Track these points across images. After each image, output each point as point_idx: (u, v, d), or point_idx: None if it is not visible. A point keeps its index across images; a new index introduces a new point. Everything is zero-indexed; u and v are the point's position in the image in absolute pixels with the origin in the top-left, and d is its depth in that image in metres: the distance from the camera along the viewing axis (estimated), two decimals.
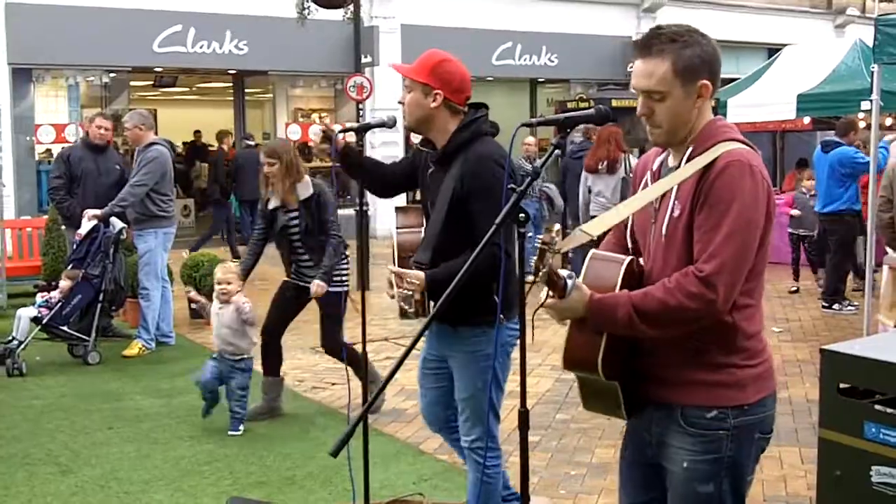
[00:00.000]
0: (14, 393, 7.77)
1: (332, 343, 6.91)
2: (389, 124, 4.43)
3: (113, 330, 9.71)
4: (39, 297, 9.01)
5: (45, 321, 8.61)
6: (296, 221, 6.85)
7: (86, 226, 8.76)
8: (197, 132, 24.18)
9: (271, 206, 6.91)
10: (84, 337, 8.77)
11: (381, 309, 10.64)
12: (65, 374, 8.40)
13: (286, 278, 7.06)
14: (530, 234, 12.08)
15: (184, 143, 23.73)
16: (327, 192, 7.00)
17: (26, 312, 8.79)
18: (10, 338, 8.70)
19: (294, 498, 5.33)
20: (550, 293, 2.68)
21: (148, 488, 5.55)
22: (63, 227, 10.09)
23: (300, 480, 5.64)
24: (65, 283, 8.81)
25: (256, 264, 7.06)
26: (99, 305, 8.78)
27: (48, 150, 17.42)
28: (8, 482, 5.67)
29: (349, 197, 19.10)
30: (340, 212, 19.05)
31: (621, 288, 2.77)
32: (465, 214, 3.84)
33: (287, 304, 7.08)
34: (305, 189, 6.87)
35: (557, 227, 2.76)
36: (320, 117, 21.30)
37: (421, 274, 3.90)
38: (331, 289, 6.76)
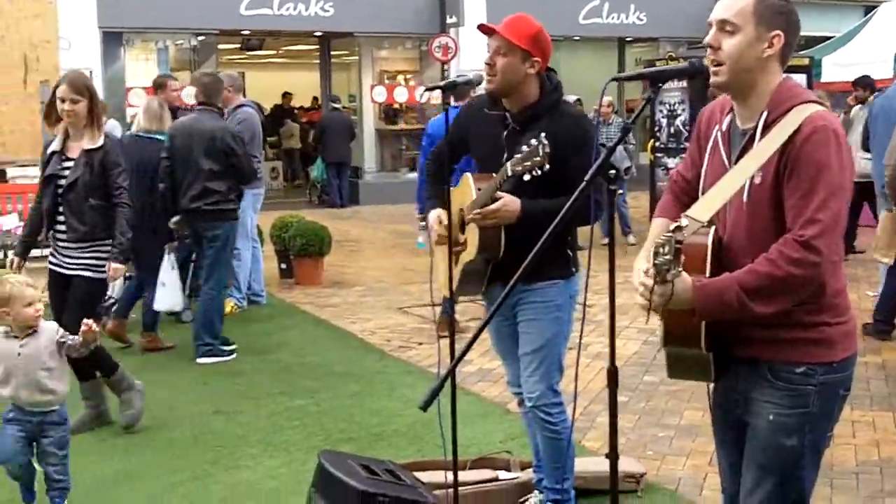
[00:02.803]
0: (109, 348, 7.98)
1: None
2: (476, 82, 4.41)
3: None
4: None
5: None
6: (65, 173, 5.74)
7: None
8: (286, 94, 24.43)
9: (51, 149, 5.83)
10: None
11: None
12: (164, 331, 8.59)
13: (50, 257, 5.94)
14: (621, 192, 11.97)
15: (275, 106, 23.93)
16: (117, 152, 5.85)
17: None
18: (107, 296, 8.94)
19: (383, 453, 5.39)
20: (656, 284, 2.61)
21: (241, 442, 5.68)
22: None
23: (388, 437, 5.72)
24: None
25: (31, 246, 6.03)
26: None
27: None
28: (103, 435, 5.85)
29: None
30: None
31: (712, 261, 2.75)
32: (555, 172, 3.83)
33: (61, 293, 5.84)
34: (95, 139, 5.72)
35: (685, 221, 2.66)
36: (406, 80, 21.33)
37: (516, 199, 3.87)
38: (93, 274, 5.73)
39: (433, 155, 4.43)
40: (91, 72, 14.38)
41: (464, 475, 4.31)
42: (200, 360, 7.52)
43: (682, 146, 13.58)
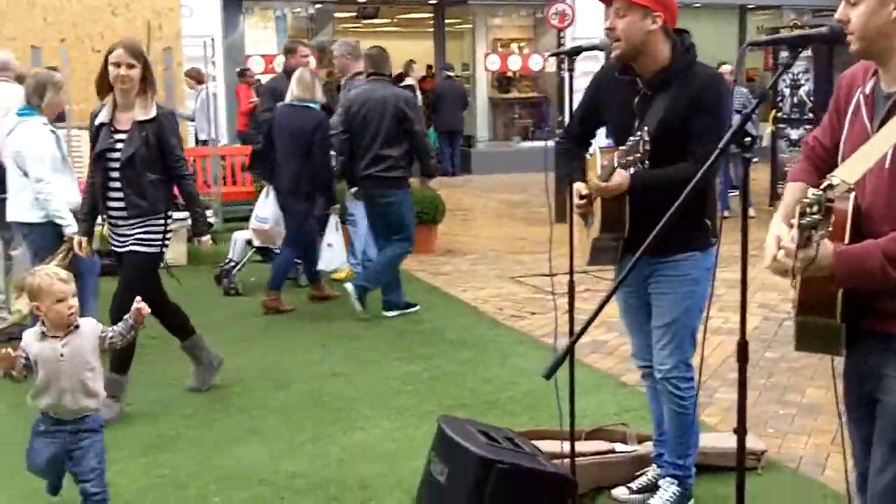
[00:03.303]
0: (232, 311, 8.20)
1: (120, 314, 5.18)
2: (602, 47, 4.32)
3: None
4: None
5: (257, 246, 9.00)
6: (118, 147, 5.51)
7: None
8: (411, 61, 24.45)
9: (98, 120, 5.60)
10: (297, 260, 9.12)
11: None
12: (282, 293, 8.76)
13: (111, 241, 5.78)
14: (755, 160, 11.69)
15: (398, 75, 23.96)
16: (172, 123, 5.72)
17: (241, 235, 9.25)
18: (228, 259, 9.17)
19: (496, 422, 5.38)
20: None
21: (356, 405, 5.76)
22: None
23: (503, 404, 5.73)
24: None
25: (94, 221, 5.83)
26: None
27: (258, 80, 18.04)
28: (225, 394, 6.00)
29: (547, 128, 18.99)
30: (539, 143, 18.86)
31: (851, 229, 2.64)
32: (684, 135, 3.75)
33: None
34: (148, 109, 5.52)
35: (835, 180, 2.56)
36: (520, 48, 21.19)
37: (624, 173, 3.77)
38: (145, 248, 5.58)
39: (565, 130, 4.35)
40: (213, 39, 14.67)
41: (580, 446, 4.28)
42: (386, 314, 7.94)
43: (805, 117, 13.20)
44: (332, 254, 8.55)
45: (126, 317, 4.20)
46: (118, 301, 5.32)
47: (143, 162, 5.44)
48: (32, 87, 6.41)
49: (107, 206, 5.58)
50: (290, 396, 5.94)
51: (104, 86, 5.51)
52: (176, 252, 9.85)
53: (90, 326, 4.08)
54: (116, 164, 5.47)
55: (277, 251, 9.06)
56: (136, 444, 5.13)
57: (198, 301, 7.85)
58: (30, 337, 3.99)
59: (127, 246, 5.55)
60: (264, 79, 16.47)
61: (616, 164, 3.71)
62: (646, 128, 3.61)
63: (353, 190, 8.15)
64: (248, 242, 9.10)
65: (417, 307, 8.08)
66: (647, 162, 3.64)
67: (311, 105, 8.11)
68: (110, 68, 5.40)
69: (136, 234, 5.52)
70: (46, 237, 6.35)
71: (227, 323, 7.76)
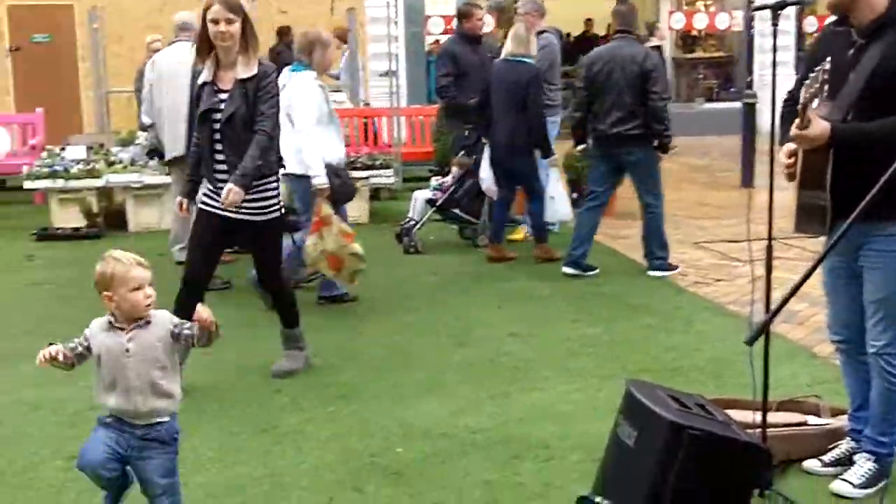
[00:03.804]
0: (412, 269, 8.30)
1: (275, 277, 5.58)
2: (807, 1, 4.11)
3: None
4: (433, 181, 9.52)
5: (438, 203, 9.08)
6: (219, 106, 5.25)
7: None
8: (588, 20, 24.11)
9: (201, 79, 5.38)
10: (474, 220, 9.17)
11: (765, 209, 10.21)
12: (456, 253, 8.83)
13: (203, 197, 5.45)
14: None
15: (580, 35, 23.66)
16: (275, 81, 5.37)
17: (422, 195, 9.35)
18: (408, 218, 9.29)
19: (681, 388, 5.28)
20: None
21: (534, 365, 5.74)
22: (449, 119, 10.46)
23: (686, 371, 5.59)
24: (456, 170, 9.21)
25: (198, 184, 5.51)
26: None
27: (437, 41, 18.11)
28: (406, 350, 6.08)
29: (732, 89, 18.41)
30: (723, 105, 18.24)
31: None
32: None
33: (213, 239, 5.43)
34: (250, 66, 5.23)
35: None
36: (706, 5, 20.54)
37: (823, 122, 3.59)
38: (265, 217, 5.33)
39: (789, 93, 4.12)
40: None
41: (771, 417, 4.13)
42: (651, 273, 7.93)
43: None
44: (556, 206, 8.73)
45: (193, 324, 3.54)
46: (262, 272, 5.49)
47: (244, 121, 5.14)
48: (302, 45, 6.88)
49: (214, 168, 5.27)
50: (469, 355, 5.96)
51: (204, 47, 5.23)
52: (358, 210, 10.07)
53: (161, 319, 3.52)
54: (218, 125, 5.21)
55: (456, 211, 9.13)
56: (323, 395, 5.25)
57: (378, 259, 8.00)
58: (96, 326, 3.52)
59: (245, 215, 5.22)
60: (443, 40, 16.60)
61: (801, 101, 3.53)
62: (826, 64, 3.44)
63: (580, 147, 8.21)
64: (429, 202, 9.19)
65: (597, 270, 7.97)
66: (825, 92, 3.52)
67: (526, 60, 8.23)
68: (209, 26, 5.12)
69: (255, 201, 5.22)
70: (307, 189, 6.69)
71: (407, 280, 7.86)
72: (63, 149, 11.13)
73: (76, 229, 10.08)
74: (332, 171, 6.70)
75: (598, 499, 3.28)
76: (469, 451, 4.49)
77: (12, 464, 4.44)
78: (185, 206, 5.51)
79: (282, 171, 6.74)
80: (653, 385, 3.75)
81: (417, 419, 4.88)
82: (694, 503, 3.39)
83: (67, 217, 10.33)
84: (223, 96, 5.21)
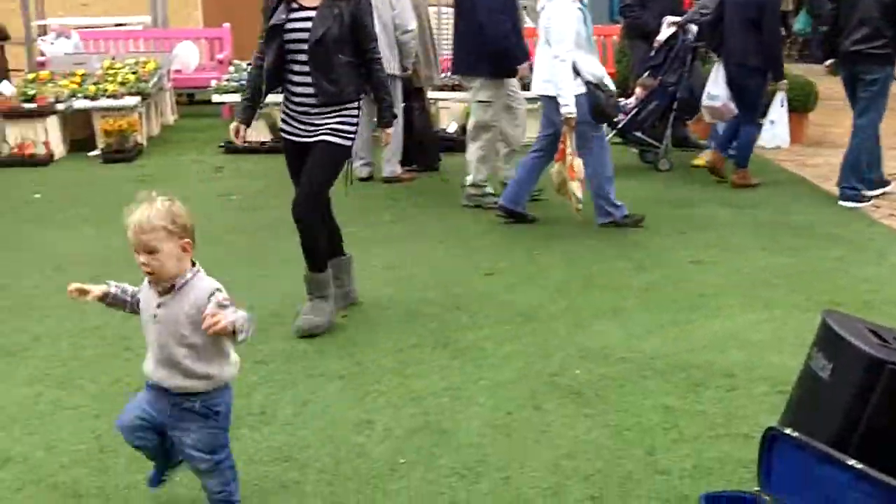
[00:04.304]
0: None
1: (310, 209, 4.98)
2: None
3: (688, 140, 9.72)
4: None
5: (620, 126, 8.88)
6: (302, 25, 4.85)
7: (664, 32, 8.77)
8: None
9: None
10: (656, 144, 8.95)
11: None
12: (637, 178, 8.64)
13: (282, 124, 5.18)
14: None
15: None
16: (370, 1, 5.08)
17: None
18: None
19: (876, 320, 5.06)
20: None
21: (718, 292, 5.58)
22: (632, 39, 10.19)
23: (878, 305, 5.34)
24: (639, 91, 8.98)
25: (256, 108, 5.15)
26: (672, 114, 8.85)
27: None
28: (588, 271, 6.01)
29: None
30: None
31: None
32: None
33: (300, 168, 5.05)
34: None
35: None
36: None
37: None
38: (339, 139, 4.93)
39: None
40: None
41: None
42: (842, 203, 7.68)
43: None
44: (776, 130, 8.71)
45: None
46: (304, 189, 4.91)
47: (336, 43, 4.80)
48: None
49: (290, 90, 4.96)
50: (650, 280, 5.85)
51: None
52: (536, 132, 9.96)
53: (201, 291, 3.02)
54: (303, 46, 4.82)
55: (638, 134, 8.94)
56: (502, 313, 5.26)
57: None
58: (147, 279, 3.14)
59: (318, 135, 4.90)
60: None
61: None
62: None
63: (829, 62, 7.98)
64: (610, 125, 8.98)
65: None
66: None
67: None
68: None
69: (334, 123, 4.90)
70: (558, 111, 6.65)
71: (587, 204, 7.75)
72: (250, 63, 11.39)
73: (262, 143, 10.36)
74: (594, 86, 6.65)
75: (787, 430, 3.16)
76: (649, 376, 4.42)
77: None
78: (241, 132, 5.07)
79: (538, 92, 6.86)
80: (850, 317, 3.58)
81: (596, 342, 4.83)
82: (887, 440, 3.23)
83: (254, 131, 10.60)
84: (306, 14, 4.84)
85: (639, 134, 8.94)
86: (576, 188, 6.72)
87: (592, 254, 6.38)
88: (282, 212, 7.54)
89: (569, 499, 3.34)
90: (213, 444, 3.14)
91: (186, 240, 3.01)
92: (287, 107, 5.00)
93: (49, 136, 10.23)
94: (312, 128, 4.93)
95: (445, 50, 11.01)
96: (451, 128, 10.60)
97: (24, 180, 9.14)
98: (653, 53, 8.93)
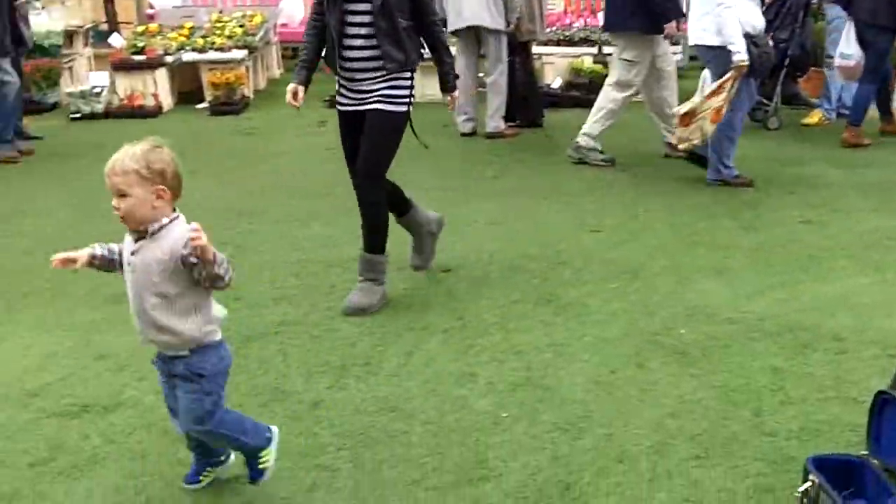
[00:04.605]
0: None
1: (373, 182, 4.76)
2: None
3: (798, 98, 9.47)
4: None
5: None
6: None
7: None
8: None
9: None
10: (766, 101, 8.73)
11: None
12: (745, 136, 8.42)
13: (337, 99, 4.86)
14: None
15: None
16: None
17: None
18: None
19: None
20: None
21: (829, 254, 5.45)
22: None
23: None
24: None
25: (313, 70, 4.87)
26: (784, 71, 8.62)
27: None
28: (694, 229, 5.92)
29: None
30: None
31: None
32: None
33: (355, 142, 4.78)
34: None
35: None
36: None
37: None
38: (393, 107, 4.67)
39: None
40: None
41: None
42: None
43: None
44: None
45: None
46: (365, 165, 4.70)
47: (396, 6, 4.56)
48: None
49: (344, 57, 4.63)
50: (758, 240, 5.74)
51: None
52: None
53: (176, 237, 2.84)
54: (364, 7, 4.55)
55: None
56: (606, 270, 5.23)
57: (660, 136, 7.82)
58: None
59: (370, 103, 4.65)
60: None
61: None
62: None
63: None
64: None
65: None
66: None
67: None
68: None
69: (383, 89, 4.64)
70: (723, 62, 6.56)
71: (684, 164, 7.64)
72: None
73: None
74: (751, 41, 6.52)
75: None
76: (756, 337, 4.34)
77: (308, 315, 4.71)
78: (299, 94, 4.79)
79: (696, 41, 6.79)
80: None
81: (702, 301, 4.76)
82: None
83: None
84: None
85: None
86: (708, 130, 6.60)
87: (699, 212, 6.28)
88: None
89: (673, 458, 3.32)
90: (200, 413, 2.97)
91: (161, 186, 2.82)
92: (341, 76, 4.70)
93: (158, 88, 10.46)
94: (364, 95, 4.66)
95: (551, 5, 10.90)
96: (556, 83, 10.51)
97: (133, 131, 9.32)
98: (764, 9, 8.67)
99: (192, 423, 2.99)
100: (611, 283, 5.04)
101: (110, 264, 3.00)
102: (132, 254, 2.89)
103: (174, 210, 2.90)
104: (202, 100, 10.62)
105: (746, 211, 6.29)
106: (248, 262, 5.46)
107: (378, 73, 4.61)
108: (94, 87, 10.33)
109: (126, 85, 10.42)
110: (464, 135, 8.91)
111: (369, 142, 4.68)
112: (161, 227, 2.84)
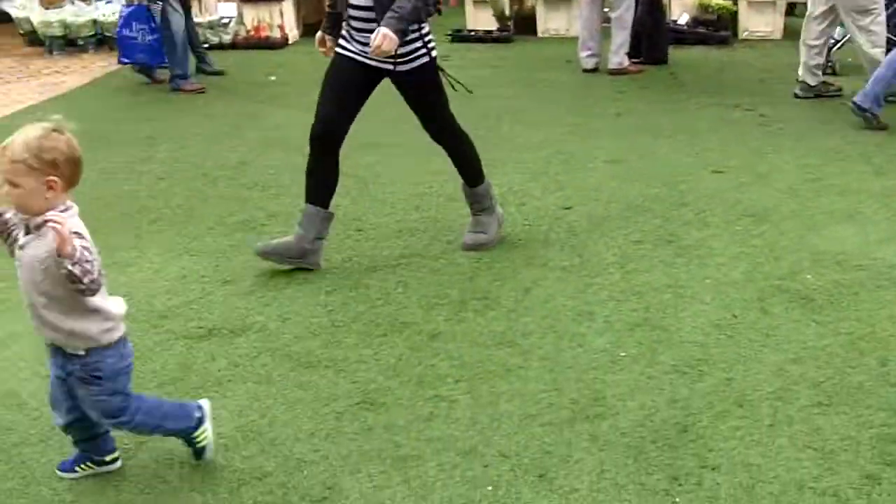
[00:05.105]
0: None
1: (442, 131, 4.62)
2: None
3: None
4: None
5: None
6: None
7: None
8: None
9: None
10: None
11: None
12: None
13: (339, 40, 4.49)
14: None
15: None
16: None
17: None
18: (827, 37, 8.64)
19: None
20: None
21: None
22: None
23: None
24: None
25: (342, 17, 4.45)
26: None
27: None
28: (823, 173, 5.74)
29: None
30: None
31: None
32: None
33: (347, 87, 4.46)
34: None
35: None
36: None
37: None
38: (411, 60, 4.35)
39: None
40: None
41: None
42: None
43: None
44: None
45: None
46: (425, 124, 4.56)
47: None
48: None
49: (352, 3, 4.30)
50: (890, 185, 5.53)
51: None
52: (771, 24, 9.56)
53: (61, 229, 2.52)
54: None
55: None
56: (730, 212, 5.12)
57: (792, 79, 7.60)
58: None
59: (377, 62, 4.34)
60: None
61: None
62: None
63: None
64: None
65: None
66: None
67: None
68: None
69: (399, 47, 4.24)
70: None
71: (823, 104, 7.41)
72: None
73: (488, 31, 10.36)
74: None
75: None
76: (885, 284, 4.21)
77: (428, 248, 4.75)
78: (327, 42, 4.61)
79: None
80: None
81: (830, 247, 4.63)
82: None
83: (482, 19, 10.63)
84: None
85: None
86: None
87: (828, 155, 6.09)
88: (507, 101, 7.61)
89: (795, 404, 3.27)
90: (108, 409, 2.81)
91: (52, 178, 2.57)
92: (349, 24, 4.37)
93: (284, 19, 10.56)
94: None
95: None
96: (682, 19, 10.25)
97: (259, 62, 9.52)
98: None
99: (104, 416, 2.84)
100: (735, 225, 4.94)
101: (5, 235, 2.75)
102: (20, 248, 2.67)
103: (67, 201, 2.66)
104: None
105: (879, 155, 6.07)
106: (370, 195, 5.52)
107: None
108: (221, 18, 10.50)
109: (253, 16, 10.56)
110: (586, 71, 8.78)
111: (413, 104, 4.52)
112: (47, 221, 2.55)
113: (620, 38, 8.67)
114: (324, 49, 4.63)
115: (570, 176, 5.67)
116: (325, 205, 4.50)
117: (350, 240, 4.86)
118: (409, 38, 4.25)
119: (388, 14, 4.12)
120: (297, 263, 4.47)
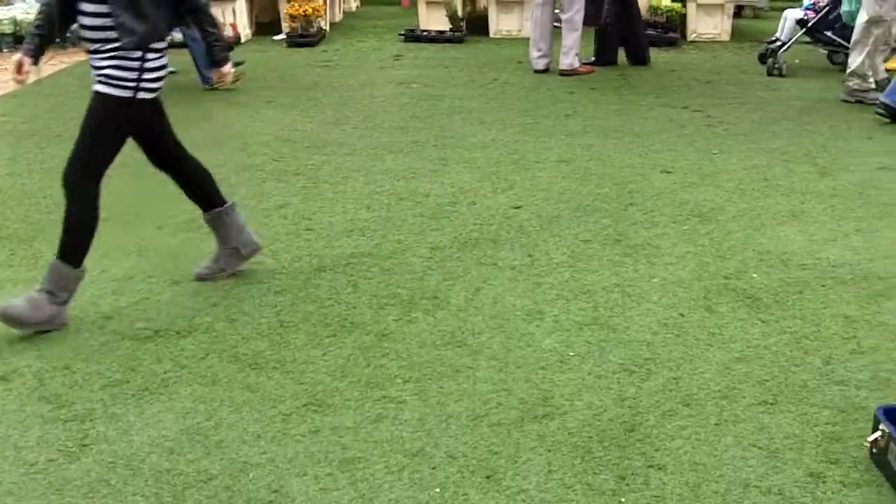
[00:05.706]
0: (774, 92, 7.87)
1: (74, 174, 3.92)
2: None
3: None
4: (806, 0, 8.87)
5: (809, 25, 8.46)
6: None
7: None
8: None
9: None
10: (846, 45, 8.48)
11: None
12: (823, 79, 8.26)
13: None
14: None
15: None
16: None
17: (793, 14, 8.76)
18: (774, 38, 8.77)
19: None
20: None
21: None
22: None
23: None
24: None
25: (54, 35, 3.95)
26: None
27: None
28: (769, 173, 5.81)
29: None
30: None
31: None
32: None
33: None
34: None
35: None
36: None
37: None
38: (112, 90, 3.79)
39: None
40: None
41: None
42: None
43: None
44: None
45: None
46: (68, 161, 3.89)
47: None
48: None
49: (83, 24, 3.80)
50: (834, 185, 5.62)
51: None
52: (719, 27, 9.66)
53: None
54: None
55: (829, 34, 8.51)
56: (678, 212, 5.17)
57: (739, 80, 7.67)
58: None
59: (95, 83, 3.83)
60: None
61: None
62: None
63: None
64: (799, 22, 8.59)
65: None
66: None
67: None
68: None
69: (108, 67, 3.78)
70: None
71: (769, 104, 7.49)
72: None
73: (441, 32, 10.37)
74: None
75: None
76: (829, 284, 4.27)
77: (379, 248, 4.74)
78: (26, 65, 3.93)
79: None
80: None
81: (776, 246, 4.69)
82: None
83: (434, 20, 10.64)
84: None
85: (829, 34, 8.49)
86: None
87: (774, 156, 6.17)
88: (458, 101, 7.62)
89: (740, 403, 3.30)
90: None
91: None
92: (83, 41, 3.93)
93: (236, 18, 10.48)
94: (95, 71, 3.83)
95: None
96: None
97: None
98: None
99: None
100: (682, 225, 4.99)
101: None
102: None
103: None
104: (280, 31, 10.63)
105: (823, 156, 6.16)
106: (322, 194, 5.49)
107: (106, 48, 3.77)
108: None
109: None
110: (537, 71, 8.82)
111: (82, 130, 3.85)
112: None
113: (571, 40, 8.71)
114: (20, 76, 3.94)
115: (520, 175, 5.68)
116: (79, 263, 3.95)
117: (300, 239, 4.83)
118: (133, 64, 3.78)
119: (211, 48, 4.04)
120: None
